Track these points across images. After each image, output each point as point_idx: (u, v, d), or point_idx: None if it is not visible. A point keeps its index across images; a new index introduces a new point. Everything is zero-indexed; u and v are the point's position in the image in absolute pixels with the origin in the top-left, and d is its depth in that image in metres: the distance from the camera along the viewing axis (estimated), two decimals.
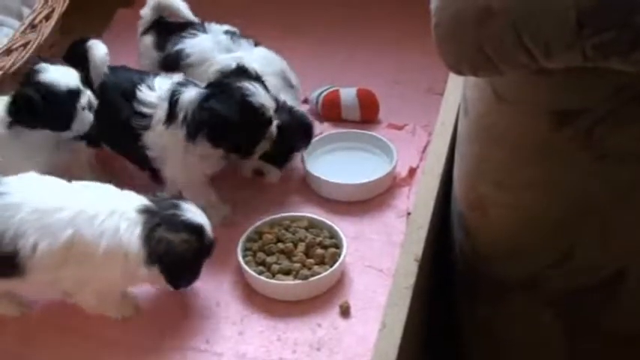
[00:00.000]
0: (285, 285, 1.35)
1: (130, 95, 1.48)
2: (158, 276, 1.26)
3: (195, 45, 1.62)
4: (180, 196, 1.34)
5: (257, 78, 1.48)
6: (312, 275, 1.35)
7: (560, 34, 0.95)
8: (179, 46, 1.63)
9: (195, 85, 1.48)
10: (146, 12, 1.70)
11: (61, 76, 1.42)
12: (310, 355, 1.27)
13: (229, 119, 1.40)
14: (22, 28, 1.63)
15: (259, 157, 1.49)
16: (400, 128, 1.70)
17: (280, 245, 1.41)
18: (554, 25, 0.94)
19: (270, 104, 1.45)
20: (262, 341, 1.30)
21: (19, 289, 1.30)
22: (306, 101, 1.76)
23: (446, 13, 1.02)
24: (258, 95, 1.43)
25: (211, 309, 1.35)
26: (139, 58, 1.71)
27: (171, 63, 1.62)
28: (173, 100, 1.45)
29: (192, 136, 1.42)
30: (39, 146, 1.42)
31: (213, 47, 1.61)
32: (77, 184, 1.30)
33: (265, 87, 1.47)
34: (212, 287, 1.39)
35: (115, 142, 1.54)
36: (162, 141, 1.45)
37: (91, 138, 1.50)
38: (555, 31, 0.95)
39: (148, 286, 1.37)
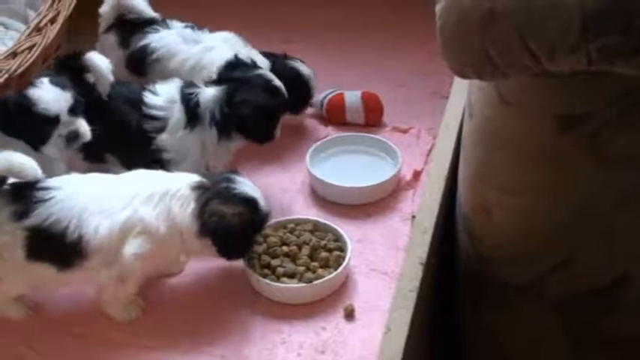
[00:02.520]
0: (290, 288, 1.35)
1: (137, 102, 1.50)
2: (210, 248, 1.30)
3: (160, 39, 1.65)
4: (234, 170, 1.38)
5: (255, 66, 1.54)
6: (317, 278, 1.35)
7: (564, 38, 0.95)
8: (144, 42, 1.65)
9: (197, 86, 1.51)
10: (106, 10, 1.72)
11: (46, 97, 1.39)
12: (314, 358, 1.27)
13: (266, 107, 1.46)
14: (28, 31, 1.63)
15: None
16: (405, 131, 1.71)
17: (285, 248, 1.40)
18: (558, 28, 0.95)
19: (282, 86, 1.51)
20: (266, 344, 1.29)
21: (73, 280, 1.31)
22: (310, 104, 1.76)
23: (450, 17, 1.02)
24: (275, 79, 1.50)
25: (216, 311, 1.35)
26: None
27: (137, 60, 1.65)
28: (192, 103, 1.47)
29: (227, 133, 1.47)
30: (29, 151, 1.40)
31: (180, 41, 1.64)
32: (125, 175, 1.35)
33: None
34: (216, 290, 1.39)
35: (123, 150, 1.52)
36: (183, 143, 1.47)
37: (91, 151, 1.49)
38: (560, 34, 0.95)
39: (149, 288, 1.38)
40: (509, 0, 0.96)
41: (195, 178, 1.32)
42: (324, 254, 1.39)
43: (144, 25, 1.68)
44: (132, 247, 1.26)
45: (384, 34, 1.99)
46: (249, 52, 1.64)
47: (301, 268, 1.37)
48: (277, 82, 1.50)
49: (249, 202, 1.31)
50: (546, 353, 1.32)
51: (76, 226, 1.25)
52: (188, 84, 1.51)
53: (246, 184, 1.33)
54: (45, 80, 1.42)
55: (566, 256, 1.19)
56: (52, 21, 1.63)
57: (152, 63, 1.64)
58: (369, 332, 1.29)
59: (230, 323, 1.33)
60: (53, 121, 1.40)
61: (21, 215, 1.25)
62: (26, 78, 1.57)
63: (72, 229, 1.25)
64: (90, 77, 1.51)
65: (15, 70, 1.54)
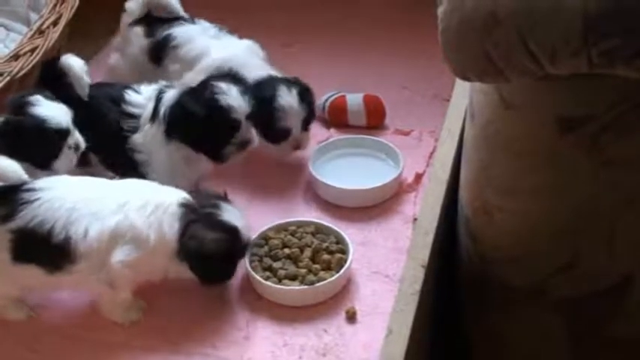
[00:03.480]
0: (292, 290, 1.35)
1: (118, 100, 1.49)
2: (188, 271, 1.29)
3: (182, 30, 1.67)
4: (222, 196, 1.36)
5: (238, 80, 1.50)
6: (319, 281, 1.35)
7: (566, 41, 0.95)
8: (167, 32, 1.67)
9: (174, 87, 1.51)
10: (131, 6, 1.72)
11: (53, 113, 1.41)
12: None
13: (194, 114, 1.43)
14: (30, 33, 1.63)
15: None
16: (406, 134, 1.70)
17: (286, 250, 1.40)
18: (560, 31, 0.95)
19: (241, 108, 1.45)
20: (268, 346, 1.29)
21: (63, 284, 1.31)
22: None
23: (452, 20, 1.02)
24: (229, 96, 1.44)
25: (218, 314, 1.35)
26: (124, 47, 1.73)
27: (159, 48, 1.67)
28: (158, 98, 1.47)
29: (166, 132, 1.45)
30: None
31: (200, 32, 1.66)
32: (117, 181, 1.34)
33: (245, 92, 1.47)
34: (218, 292, 1.38)
35: (103, 149, 1.52)
36: (147, 141, 1.47)
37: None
38: (561, 37, 0.95)
39: (153, 290, 1.38)
40: (511, 3, 0.96)
41: (183, 195, 1.31)
42: (325, 257, 1.39)
43: (172, 20, 1.70)
44: (119, 254, 1.25)
45: (386, 37, 1.99)
46: (259, 65, 1.62)
47: (303, 271, 1.37)
48: (226, 99, 1.43)
49: (230, 231, 1.29)
50: (548, 355, 1.32)
51: (63, 228, 1.24)
52: (169, 84, 1.52)
53: (231, 212, 1.31)
54: (39, 97, 1.41)
55: (568, 258, 1.19)
56: (55, 23, 1.64)
57: (170, 50, 1.66)
58: (371, 335, 1.29)
59: (232, 325, 1.33)
60: (65, 133, 1.41)
61: (5, 217, 1.25)
62: (28, 81, 1.58)
63: (58, 230, 1.24)
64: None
65: (17, 73, 1.55)
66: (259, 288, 1.37)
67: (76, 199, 1.26)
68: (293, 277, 1.36)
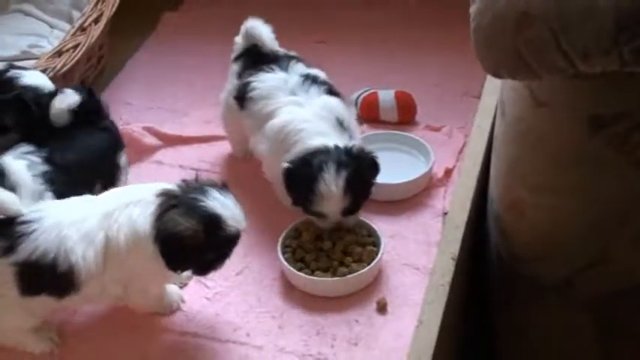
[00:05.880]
0: (324, 281, 1.36)
1: None
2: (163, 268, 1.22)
3: (264, 80, 1.51)
4: (219, 184, 1.26)
5: None
6: (350, 272, 1.36)
7: (598, 40, 0.95)
8: (250, 78, 1.53)
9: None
10: (238, 39, 1.61)
11: (39, 79, 1.47)
12: (348, 350, 1.29)
13: None
14: (73, 30, 1.68)
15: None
16: (437, 130, 1.71)
17: (319, 243, 1.42)
18: (592, 30, 0.95)
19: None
20: (301, 335, 1.32)
21: (73, 304, 1.29)
22: None
23: (484, 18, 1.03)
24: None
25: (252, 304, 1.38)
26: (227, 83, 1.63)
27: (240, 94, 1.54)
28: None
29: None
30: None
31: (280, 87, 1.49)
32: (101, 195, 1.30)
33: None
34: (253, 283, 1.41)
35: None
36: None
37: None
38: (593, 35, 0.95)
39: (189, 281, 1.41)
40: (543, 2, 0.97)
41: (164, 185, 1.24)
42: (357, 249, 1.40)
43: (266, 61, 1.54)
44: (108, 273, 1.22)
45: (418, 34, 2.00)
46: (322, 132, 1.42)
47: (335, 263, 1.39)
48: None
49: (210, 219, 1.19)
50: (577, 351, 1.32)
51: (64, 256, 1.19)
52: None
53: (218, 200, 1.21)
54: (19, 72, 1.47)
55: (598, 255, 1.18)
56: (96, 21, 1.68)
57: (248, 101, 1.52)
58: (401, 325, 1.31)
59: (266, 315, 1.35)
60: (55, 94, 1.45)
61: (6, 250, 1.20)
62: (71, 76, 1.63)
63: (61, 259, 1.19)
64: None
65: (60, 69, 1.59)
66: (292, 279, 1.40)
67: (69, 223, 1.21)
68: (325, 269, 1.38)
